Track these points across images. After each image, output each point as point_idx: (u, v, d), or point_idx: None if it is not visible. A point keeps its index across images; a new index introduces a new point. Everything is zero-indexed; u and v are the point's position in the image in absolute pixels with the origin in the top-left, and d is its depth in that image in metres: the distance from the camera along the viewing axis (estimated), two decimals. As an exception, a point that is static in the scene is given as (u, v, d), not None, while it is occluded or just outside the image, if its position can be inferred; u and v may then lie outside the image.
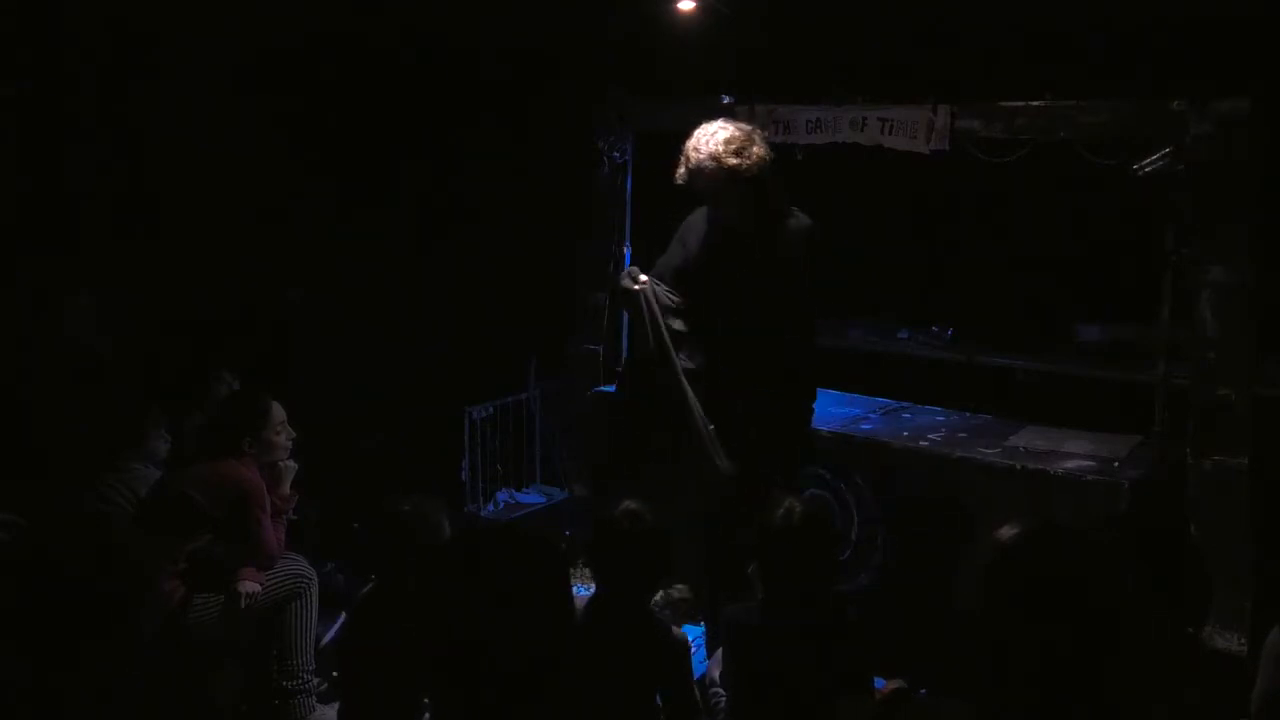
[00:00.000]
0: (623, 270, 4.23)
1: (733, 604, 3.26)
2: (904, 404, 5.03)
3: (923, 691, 3.70)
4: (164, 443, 4.09)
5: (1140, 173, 4.10)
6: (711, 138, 3.77)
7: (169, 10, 5.07)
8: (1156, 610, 2.62)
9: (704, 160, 3.76)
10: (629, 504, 3.09)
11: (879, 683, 3.40)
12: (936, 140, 4.48)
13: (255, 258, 5.45)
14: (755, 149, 3.76)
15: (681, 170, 3.85)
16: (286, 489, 4.08)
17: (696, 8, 5.12)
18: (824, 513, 3.18)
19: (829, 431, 4.50)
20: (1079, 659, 2.03)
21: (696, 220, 4.04)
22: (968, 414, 4.89)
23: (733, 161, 3.73)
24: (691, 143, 3.82)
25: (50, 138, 4.84)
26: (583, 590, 3.67)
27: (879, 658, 3.31)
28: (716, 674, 3.27)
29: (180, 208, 5.35)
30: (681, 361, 3.84)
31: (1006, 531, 2.16)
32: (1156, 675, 2.55)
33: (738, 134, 3.78)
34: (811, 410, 4.01)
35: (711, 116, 5.08)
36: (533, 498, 5.92)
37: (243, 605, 3.76)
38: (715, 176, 3.76)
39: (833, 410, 4.81)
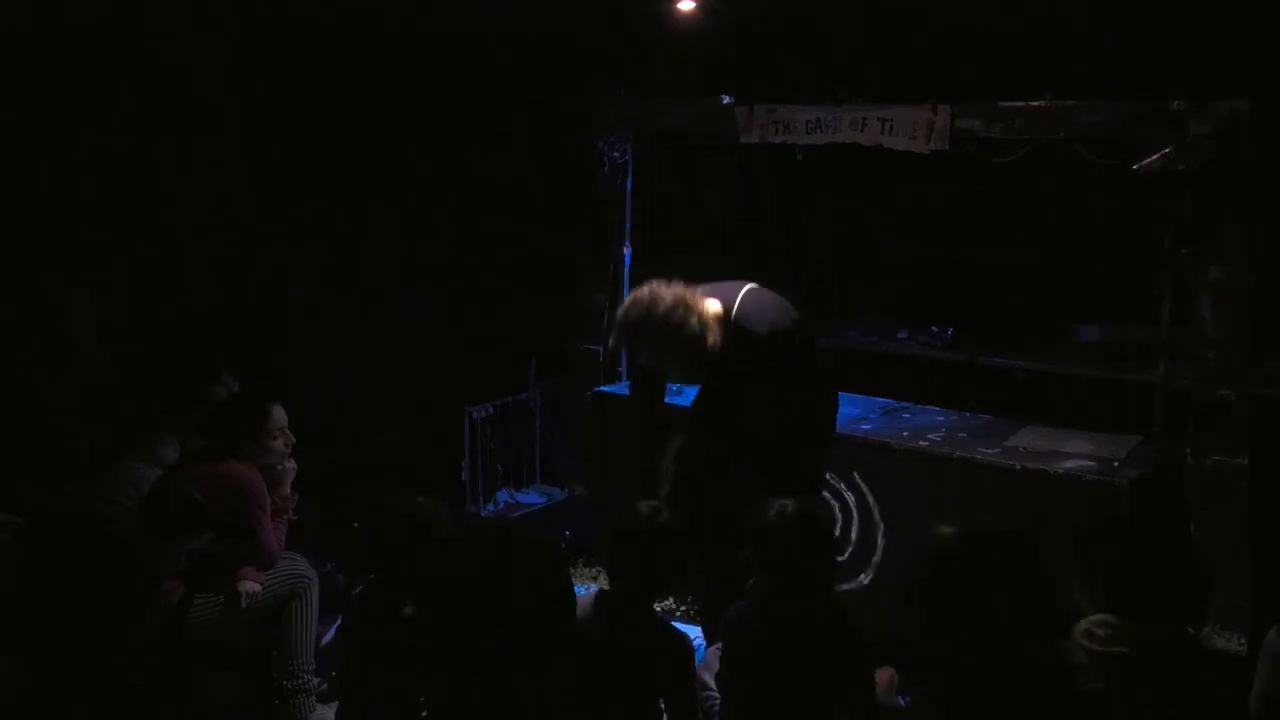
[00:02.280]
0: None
1: (732, 606, 3.25)
2: (904, 404, 5.03)
3: (923, 690, 3.71)
4: (174, 450, 4.08)
5: (1140, 173, 4.10)
6: (646, 315, 3.52)
7: (173, 6, 5.07)
8: (1156, 610, 2.63)
9: (641, 336, 3.57)
10: (649, 502, 3.08)
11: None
12: (936, 140, 4.49)
13: (256, 258, 5.45)
14: (691, 321, 3.51)
15: (613, 342, 3.71)
16: (287, 489, 4.08)
17: (696, 8, 5.12)
18: (817, 511, 3.17)
19: (829, 431, 4.50)
20: (1015, 658, 2.05)
21: None
22: (968, 414, 4.89)
23: (667, 340, 3.52)
24: (624, 318, 3.61)
25: (50, 137, 4.84)
26: (582, 590, 3.67)
27: (879, 659, 3.31)
28: (709, 677, 3.27)
29: (181, 208, 5.35)
30: None
31: (937, 537, 2.18)
32: (1155, 675, 2.56)
33: (672, 308, 3.50)
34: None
35: (712, 116, 5.12)
36: (533, 498, 5.92)
37: (243, 605, 3.76)
38: (652, 350, 3.60)
39: (833, 410, 4.81)
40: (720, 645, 3.24)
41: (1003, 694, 2.08)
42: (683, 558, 3.06)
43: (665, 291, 3.55)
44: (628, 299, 3.69)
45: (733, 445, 3.74)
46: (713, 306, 3.61)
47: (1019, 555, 2.20)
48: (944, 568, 2.19)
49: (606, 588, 3.13)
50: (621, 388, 5.31)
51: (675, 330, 3.50)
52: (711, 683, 3.24)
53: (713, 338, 3.56)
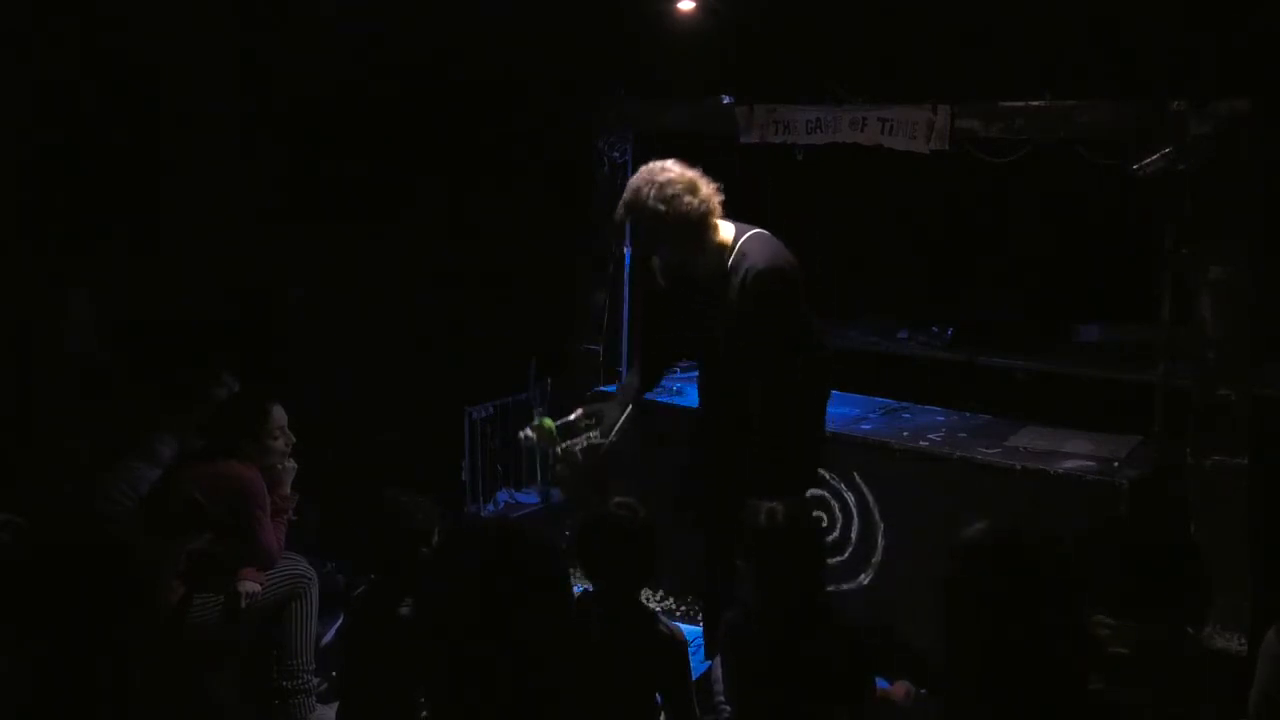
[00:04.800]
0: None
1: (729, 611, 3.25)
2: (904, 404, 5.02)
3: (922, 691, 3.71)
4: (171, 448, 4.08)
5: (1140, 173, 4.10)
6: (646, 182, 3.57)
7: (173, 10, 5.07)
8: (1156, 610, 2.63)
9: (636, 203, 3.58)
10: (621, 499, 3.08)
11: (883, 684, 3.40)
12: (936, 140, 4.49)
13: (256, 258, 5.45)
14: (686, 199, 3.53)
15: (620, 211, 3.67)
16: (287, 489, 4.08)
17: (696, 8, 5.12)
18: (806, 512, 3.17)
19: (829, 431, 4.49)
20: (1040, 660, 2.05)
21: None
22: (968, 414, 4.89)
23: (659, 208, 3.52)
24: (630, 182, 3.64)
25: (50, 138, 4.84)
26: (580, 590, 3.67)
27: (879, 659, 3.31)
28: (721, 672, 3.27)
29: (181, 208, 5.36)
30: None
31: (969, 534, 2.17)
32: (1154, 675, 2.56)
33: (674, 180, 3.55)
34: (799, 459, 3.86)
35: (712, 116, 5.12)
36: (533, 498, 5.92)
37: (243, 605, 3.76)
38: (644, 221, 3.60)
39: (833, 410, 4.78)
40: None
41: (1020, 696, 2.07)
42: (654, 551, 3.06)
43: (676, 168, 3.58)
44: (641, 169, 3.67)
45: (730, 436, 3.73)
46: (724, 227, 3.65)
47: (1051, 555, 2.19)
48: (975, 566, 2.17)
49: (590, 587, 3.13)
50: (622, 388, 5.32)
51: (671, 201, 3.51)
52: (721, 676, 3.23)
53: (707, 235, 3.58)
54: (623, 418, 3.89)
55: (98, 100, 4.95)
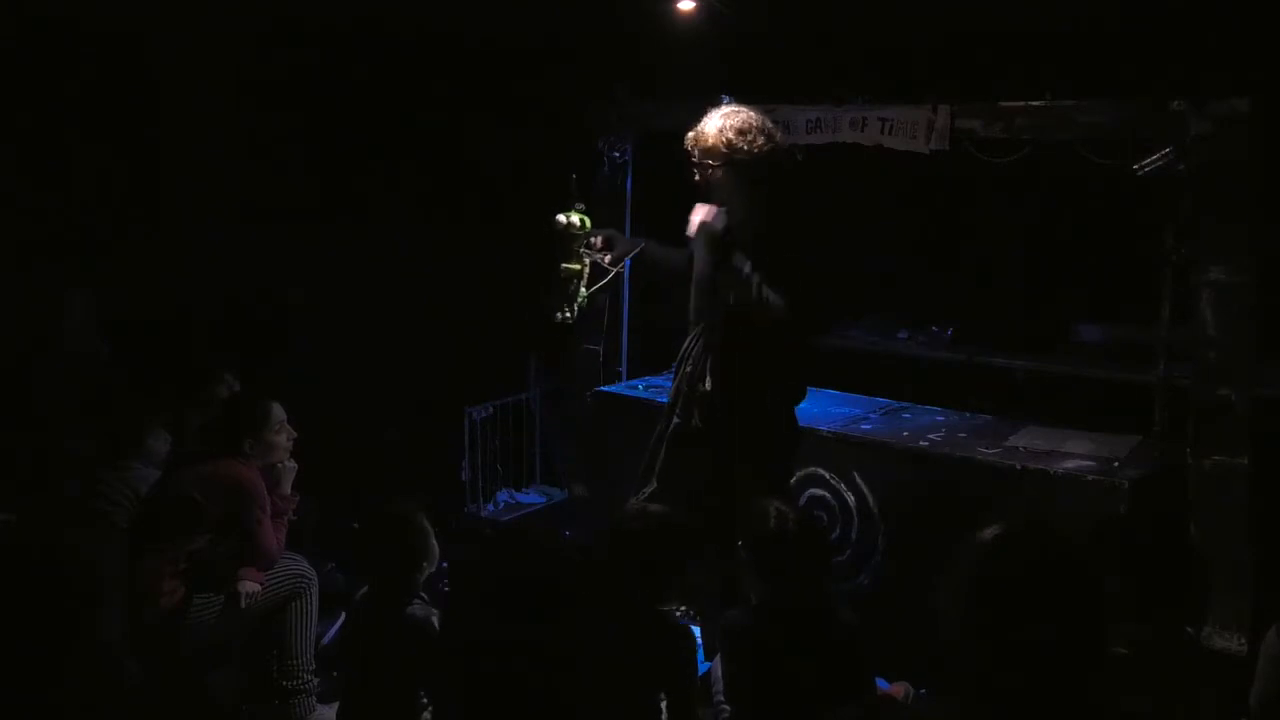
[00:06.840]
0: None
1: (728, 613, 3.25)
2: (904, 404, 5.02)
3: (922, 691, 3.71)
4: (165, 444, 4.09)
5: (1140, 173, 4.10)
6: (723, 116, 3.70)
7: (168, 9, 5.08)
8: (1156, 610, 2.63)
9: (709, 134, 3.69)
10: (637, 503, 3.09)
11: (883, 684, 3.40)
12: (936, 140, 4.48)
13: (256, 258, 5.45)
14: (759, 140, 3.65)
15: (689, 139, 3.77)
16: (287, 489, 4.08)
17: (696, 8, 5.12)
18: (814, 518, 3.18)
19: (829, 431, 4.50)
20: (1061, 661, 2.04)
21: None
22: (968, 414, 4.89)
23: (732, 140, 3.63)
24: (708, 116, 3.75)
25: (50, 138, 4.85)
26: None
27: (879, 659, 3.31)
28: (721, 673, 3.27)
29: (180, 208, 5.36)
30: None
31: (988, 533, 2.17)
32: (1154, 675, 2.55)
33: (749, 121, 3.68)
34: (793, 415, 3.94)
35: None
36: (533, 498, 5.92)
37: (243, 605, 3.76)
38: (711, 156, 3.69)
39: (833, 410, 4.81)
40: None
41: (1030, 696, 2.07)
42: (675, 555, 3.07)
43: (758, 114, 3.72)
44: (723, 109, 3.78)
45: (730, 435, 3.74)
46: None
47: (1080, 555, 2.18)
48: (1005, 565, 2.16)
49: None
50: (621, 387, 5.32)
51: (745, 135, 3.62)
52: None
53: (764, 188, 3.66)
54: (633, 252, 4.04)
55: (98, 100, 4.96)
